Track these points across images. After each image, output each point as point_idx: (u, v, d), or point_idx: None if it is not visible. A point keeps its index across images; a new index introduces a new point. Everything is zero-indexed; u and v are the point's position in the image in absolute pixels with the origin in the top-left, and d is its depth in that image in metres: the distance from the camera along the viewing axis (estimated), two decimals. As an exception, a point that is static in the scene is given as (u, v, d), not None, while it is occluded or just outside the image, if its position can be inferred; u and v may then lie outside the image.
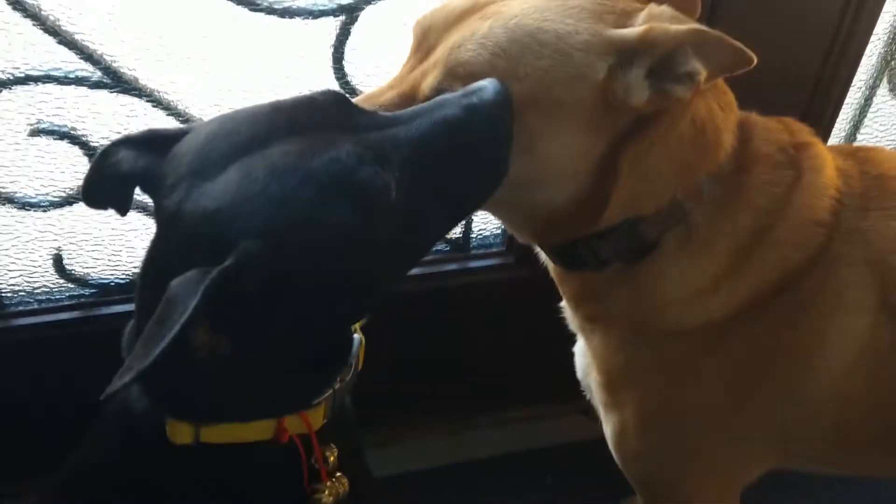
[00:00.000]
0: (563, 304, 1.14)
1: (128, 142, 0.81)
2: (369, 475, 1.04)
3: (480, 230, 1.53)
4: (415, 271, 0.89)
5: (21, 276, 1.34)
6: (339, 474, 0.90)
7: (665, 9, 0.88)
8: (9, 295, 1.35)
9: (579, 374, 1.20)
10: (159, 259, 0.76)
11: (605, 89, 0.87)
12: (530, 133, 0.87)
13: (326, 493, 0.88)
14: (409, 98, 0.90)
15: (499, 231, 1.54)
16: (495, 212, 1.05)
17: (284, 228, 0.71)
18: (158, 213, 0.77)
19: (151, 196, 0.79)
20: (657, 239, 0.96)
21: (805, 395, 1.00)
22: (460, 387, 1.68)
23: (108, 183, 0.81)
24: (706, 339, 0.99)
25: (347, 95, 0.84)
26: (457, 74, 0.86)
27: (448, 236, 1.50)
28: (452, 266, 1.54)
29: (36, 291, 1.37)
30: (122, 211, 0.84)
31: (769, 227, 0.95)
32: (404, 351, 1.36)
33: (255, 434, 0.84)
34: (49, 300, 1.37)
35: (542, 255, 1.09)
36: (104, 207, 0.84)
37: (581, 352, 1.17)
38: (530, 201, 0.96)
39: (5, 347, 1.35)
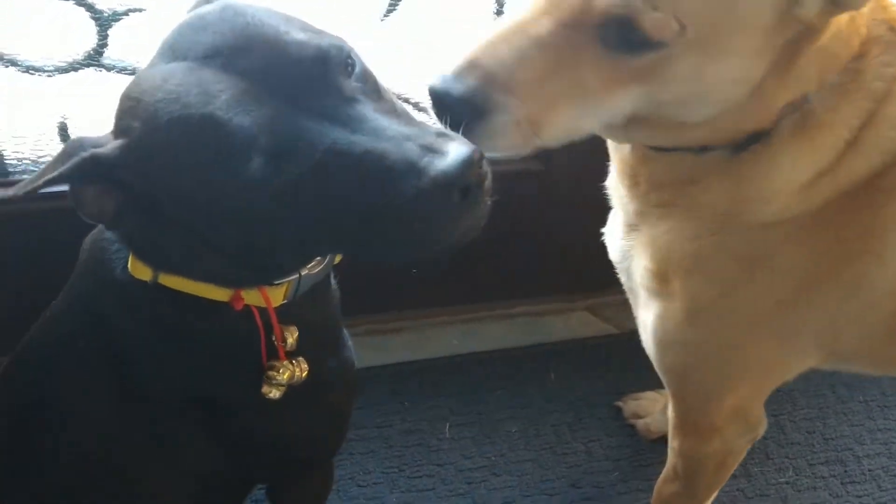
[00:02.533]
0: (615, 188, 1.08)
1: None
2: (349, 365, 1.03)
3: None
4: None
5: (25, 143, 1.32)
6: (300, 358, 0.90)
7: None
8: (13, 162, 1.33)
9: (615, 256, 1.14)
10: None
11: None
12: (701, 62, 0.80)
13: (282, 371, 0.88)
14: (576, 25, 0.77)
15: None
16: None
17: (150, 151, 0.73)
18: None
19: None
20: (771, 127, 0.91)
21: (868, 287, 0.97)
22: (467, 279, 1.67)
23: None
24: (795, 229, 0.95)
25: (351, 59, 0.75)
26: None
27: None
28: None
29: (41, 160, 1.34)
30: None
31: (878, 111, 0.90)
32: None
33: (210, 292, 0.85)
34: (54, 169, 1.35)
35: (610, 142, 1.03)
36: None
37: (621, 235, 1.11)
38: (664, 121, 0.89)
39: (7, 215, 1.33)
